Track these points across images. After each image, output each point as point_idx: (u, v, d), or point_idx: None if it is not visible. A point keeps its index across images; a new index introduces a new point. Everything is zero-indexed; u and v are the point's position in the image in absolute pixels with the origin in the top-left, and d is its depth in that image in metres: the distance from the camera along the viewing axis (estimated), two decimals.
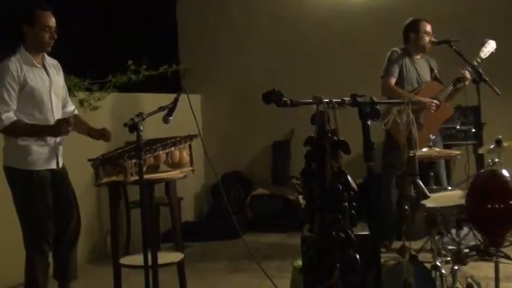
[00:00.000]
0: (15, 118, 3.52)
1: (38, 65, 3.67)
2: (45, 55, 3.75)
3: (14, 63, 3.53)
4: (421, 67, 5.05)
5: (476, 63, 4.70)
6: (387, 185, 4.96)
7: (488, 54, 4.77)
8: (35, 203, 3.61)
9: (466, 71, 4.73)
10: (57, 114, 3.74)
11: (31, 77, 3.59)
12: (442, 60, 5.14)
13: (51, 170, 3.71)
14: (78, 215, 3.89)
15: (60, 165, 3.79)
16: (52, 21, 3.62)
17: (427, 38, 4.93)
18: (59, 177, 3.77)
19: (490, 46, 4.79)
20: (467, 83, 4.76)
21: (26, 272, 3.66)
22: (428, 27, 4.95)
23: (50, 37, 3.62)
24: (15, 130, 3.54)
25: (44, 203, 3.64)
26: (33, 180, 3.60)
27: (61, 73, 3.88)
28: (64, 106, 3.92)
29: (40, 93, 3.62)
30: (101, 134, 3.85)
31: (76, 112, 4.02)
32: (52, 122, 3.69)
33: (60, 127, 3.61)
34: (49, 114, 3.68)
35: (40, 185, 3.63)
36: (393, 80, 4.94)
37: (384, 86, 4.95)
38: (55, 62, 3.84)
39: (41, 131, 3.63)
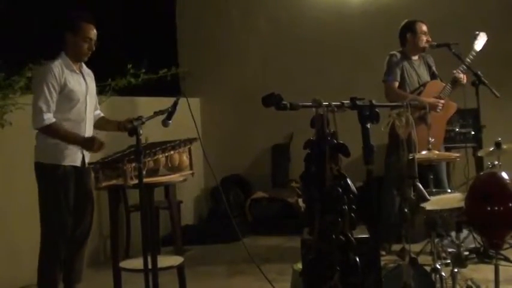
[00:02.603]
0: (54, 120, 3.70)
1: (77, 71, 3.87)
2: (83, 64, 3.95)
3: (57, 66, 3.76)
4: (420, 68, 5.06)
5: (472, 57, 4.71)
6: (391, 187, 4.92)
7: (481, 46, 4.77)
8: (59, 196, 3.74)
9: (459, 71, 4.74)
10: (90, 117, 3.94)
11: (71, 80, 3.81)
12: (439, 62, 5.14)
13: (76, 168, 3.81)
14: (91, 218, 3.95)
15: (86, 164, 3.87)
16: (94, 34, 3.84)
17: (424, 38, 4.93)
18: (82, 176, 3.87)
19: (482, 38, 4.79)
20: (463, 82, 4.77)
21: (40, 265, 3.75)
22: (425, 27, 4.96)
23: (88, 48, 3.83)
24: (52, 131, 3.72)
25: (66, 198, 3.76)
26: (59, 174, 3.74)
27: (94, 82, 4.07)
28: (94, 110, 4.11)
29: (77, 95, 3.83)
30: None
31: (102, 114, 4.19)
32: (85, 122, 3.87)
33: (93, 145, 3.77)
34: (83, 114, 3.87)
35: (65, 180, 3.76)
36: (396, 84, 4.94)
37: (388, 90, 4.93)
38: (90, 71, 4.05)
39: (73, 141, 3.78)
